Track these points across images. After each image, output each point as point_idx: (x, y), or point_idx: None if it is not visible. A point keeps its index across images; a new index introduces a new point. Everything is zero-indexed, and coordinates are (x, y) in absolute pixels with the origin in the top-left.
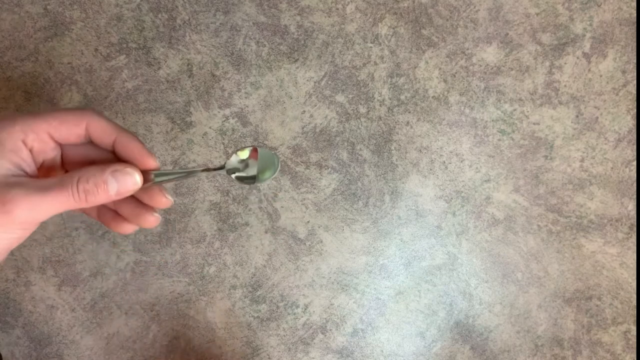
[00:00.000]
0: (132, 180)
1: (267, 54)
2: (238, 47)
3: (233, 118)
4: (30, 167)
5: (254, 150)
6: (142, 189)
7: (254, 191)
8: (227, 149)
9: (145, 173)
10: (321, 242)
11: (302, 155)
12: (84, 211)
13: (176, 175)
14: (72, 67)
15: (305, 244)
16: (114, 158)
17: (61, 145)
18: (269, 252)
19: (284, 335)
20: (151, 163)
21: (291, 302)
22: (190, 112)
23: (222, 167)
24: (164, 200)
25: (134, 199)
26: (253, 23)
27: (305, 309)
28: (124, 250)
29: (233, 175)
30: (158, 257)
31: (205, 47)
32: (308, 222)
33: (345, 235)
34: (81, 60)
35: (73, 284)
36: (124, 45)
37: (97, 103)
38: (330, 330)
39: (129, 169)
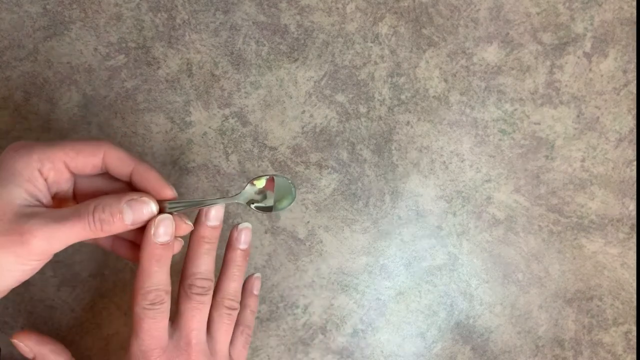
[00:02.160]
0: (148, 209)
1: (267, 54)
2: (238, 47)
3: (233, 118)
4: (45, 198)
5: (271, 180)
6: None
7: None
8: (227, 149)
9: (160, 202)
10: (321, 242)
11: (302, 155)
12: (96, 242)
13: (192, 205)
14: (71, 66)
15: (305, 244)
16: (125, 189)
17: (74, 177)
18: (268, 252)
19: (284, 336)
20: (168, 193)
21: (291, 302)
22: (190, 112)
23: (238, 199)
24: (184, 226)
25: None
26: (253, 22)
27: (305, 310)
28: None
29: (252, 206)
30: None
31: (204, 46)
32: (308, 222)
33: (346, 236)
34: (80, 59)
35: (72, 285)
36: (123, 45)
37: (96, 103)
38: (330, 330)
39: (145, 198)
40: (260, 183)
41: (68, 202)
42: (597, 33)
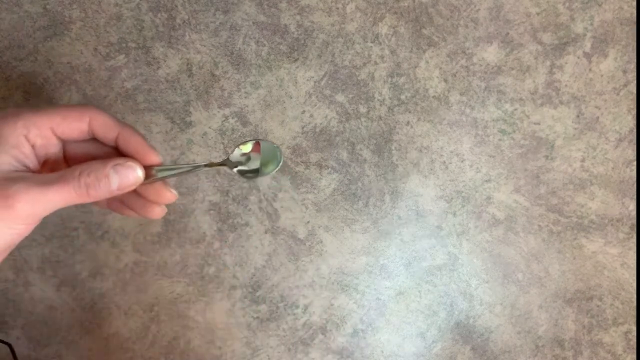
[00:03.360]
0: (133, 174)
1: (267, 54)
2: (238, 47)
3: (233, 118)
4: (32, 163)
5: (257, 144)
6: (145, 184)
7: (254, 191)
8: (227, 148)
9: (147, 168)
10: (321, 242)
11: (302, 155)
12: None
13: (178, 170)
14: (72, 66)
15: (305, 244)
16: (116, 154)
17: (64, 142)
18: (268, 252)
19: (284, 336)
20: (153, 158)
21: (291, 302)
22: (190, 112)
23: (224, 162)
24: (168, 194)
25: (140, 193)
26: (253, 22)
27: (305, 310)
28: (123, 250)
29: (235, 169)
30: (157, 257)
31: (204, 46)
32: (308, 222)
33: (346, 236)
34: (80, 59)
35: (72, 285)
36: (124, 45)
37: (97, 103)
38: (330, 330)
39: (131, 163)
40: (247, 147)
41: (60, 167)
42: (597, 33)
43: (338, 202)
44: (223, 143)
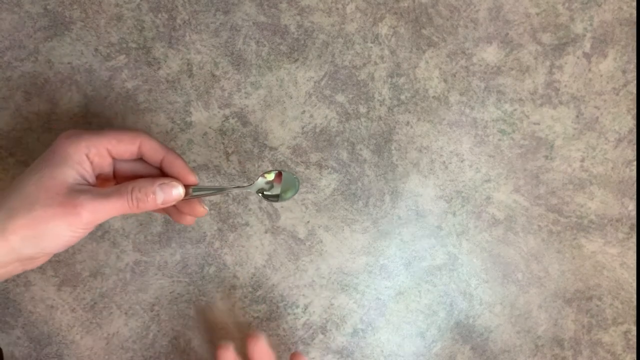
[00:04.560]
0: (176, 192)
1: (267, 54)
2: (238, 47)
3: (233, 118)
4: (91, 178)
5: (279, 174)
6: (183, 200)
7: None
8: (227, 149)
9: (185, 187)
10: (321, 242)
11: (302, 155)
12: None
13: (211, 192)
14: (72, 67)
15: (305, 244)
16: (159, 174)
17: (115, 161)
18: (268, 252)
19: (284, 336)
20: (192, 179)
21: (291, 302)
22: (190, 112)
23: (250, 185)
24: (201, 209)
25: (177, 207)
26: (253, 23)
27: (305, 309)
28: (124, 250)
29: (260, 194)
30: (158, 257)
31: (205, 47)
32: (308, 222)
33: (346, 236)
34: (81, 60)
35: (73, 284)
36: (124, 45)
37: (97, 103)
38: (330, 330)
39: (175, 183)
40: (270, 176)
41: (109, 182)
42: (597, 33)
43: (338, 202)
44: (223, 143)
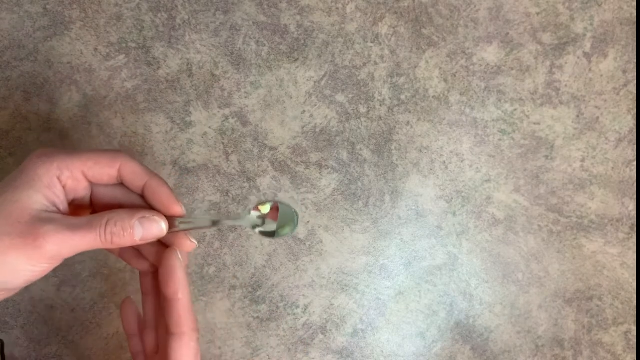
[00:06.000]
0: (157, 228)
1: (267, 54)
2: (238, 47)
3: (233, 118)
4: (63, 204)
5: (275, 207)
6: (168, 233)
7: (254, 191)
8: (227, 148)
9: (170, 219)
10: (321, 242)
11: (302, 155)
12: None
13: (199, 225)
14: (72, 66)
15: (305, 244)
16: (140, 202)
17: (92, 185)
18: (268, 252)
19: (284, 336)
20: (177, 210)
21: (291, 302)
22: (190, 112)
23: (242, 222)
24: (188, 243)
25: (157, 241)
26: (253, 23)
27: (305, 310)
28: None
29: (255, 230)
30: None
31: (205, 46)
32: (308, 222)
33: (345, 236)
34: (80, 60)
35: (72, 284)
36: (124, 45)
37: (97, 103)
38: (331, 330)
39: (156, 217)
40: (265, 209)
41: (85, 209)
42: (597, 33)
43: (338, 202)
44: (223, 143)
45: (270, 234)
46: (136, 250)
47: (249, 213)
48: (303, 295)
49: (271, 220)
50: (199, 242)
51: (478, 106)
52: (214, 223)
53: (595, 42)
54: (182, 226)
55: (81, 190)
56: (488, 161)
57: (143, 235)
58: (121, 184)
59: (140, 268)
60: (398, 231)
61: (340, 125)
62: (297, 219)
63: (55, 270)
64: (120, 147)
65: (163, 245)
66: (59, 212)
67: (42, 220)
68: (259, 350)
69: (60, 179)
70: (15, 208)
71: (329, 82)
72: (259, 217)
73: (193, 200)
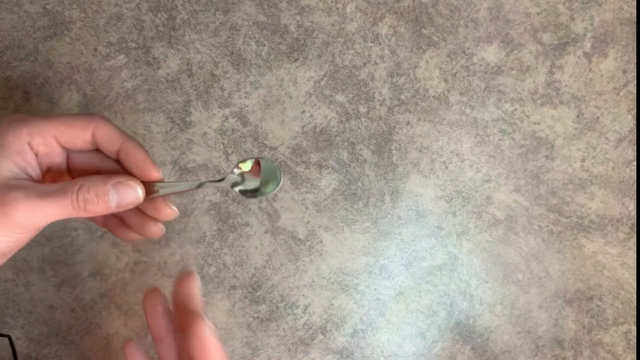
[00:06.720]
0: (133, 194)
1: (267, 54)
2: (238, 47)
3: (233, 118)
4: (35, 171)
5: (257, 163)
6: (146, 200)
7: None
8: (227, 148)
9: (148, 185)
10: (321, 242)
11: (302, 155)
12: (89, 218)
13: (179, 188)
14: (72, 66)
15: (305, 244)
16: (119, 168)
17: (68, 152)
18: (268, 252)
19: (284, 336)
20: (154, 174)
21: (291, 302)
22: (190, 112)
23: (223, 180)
24: (168, 211)
25: (138, 209)
26: (253, 22)
27: (305, 310)
28: (123, 250)
29: (235, 189)
30: (157, 257)
31: (204, 46)
32: (308, 222)
33: (346, 236)
34: (80, 59)
35: (72, 284)
36: (124, 45)
37: (97, 103)
38: (331, 330)
39: (132, 182)
40: (246, 166)
41: (63, 177)
42: (597, 33)
43: (338, 202)
44: (223, 143)
45: (252, 193)
46: (119, 219)
47: (232, 172)
48: (303, 296)
49: (252, 176)
50: (198, 242)
51: (478, 106)
52: (196, 185)
53: (595, 42)
54: (162, 191)
55: (56, 156)
56: (488, 161)
57: (118, 201)
58: (99, 150)
59: (126, 238)
60: (398, 231)
61: (340, 125)
62: (281, 174)
63: (55, 270)
64: None
65: (146, 215)
66: (31, 179)
67: (10, 187)
68: (259, 351)
69: (31, 145)
70: None
71: (329, 82)
72: (239, 174)
73: (193, 201)
